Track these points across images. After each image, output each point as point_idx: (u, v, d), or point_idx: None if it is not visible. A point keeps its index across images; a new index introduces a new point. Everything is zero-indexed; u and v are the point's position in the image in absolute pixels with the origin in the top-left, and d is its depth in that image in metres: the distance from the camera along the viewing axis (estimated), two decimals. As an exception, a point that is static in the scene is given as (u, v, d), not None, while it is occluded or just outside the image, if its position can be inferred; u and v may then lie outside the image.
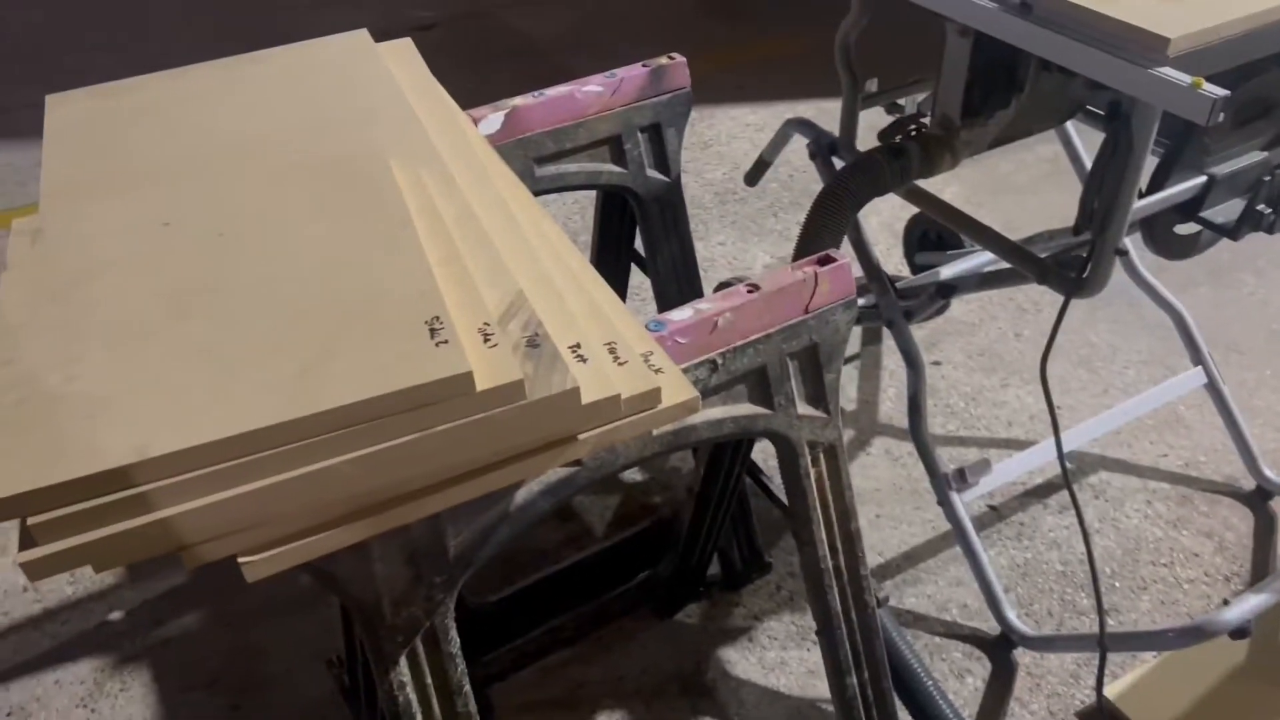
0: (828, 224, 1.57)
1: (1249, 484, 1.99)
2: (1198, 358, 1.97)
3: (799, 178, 3.03)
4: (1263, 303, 2.47)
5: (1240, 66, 1.35)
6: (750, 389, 1.10)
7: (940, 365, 2.33)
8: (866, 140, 1.73)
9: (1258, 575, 1.83)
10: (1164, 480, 2.02)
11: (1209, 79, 1.20)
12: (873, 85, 1.89)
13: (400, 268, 0.89)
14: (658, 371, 0.90)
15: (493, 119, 1.41)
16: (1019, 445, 2.10)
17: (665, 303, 1.68)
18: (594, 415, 0.83)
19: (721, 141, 3.24)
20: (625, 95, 1.52)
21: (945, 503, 1.73)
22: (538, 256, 1.01)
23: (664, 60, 1.55)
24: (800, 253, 1.62)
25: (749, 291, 1.06)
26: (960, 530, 1.72)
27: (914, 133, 1.62)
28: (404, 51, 1.39)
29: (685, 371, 1.03)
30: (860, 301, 2.08)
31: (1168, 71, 1.19)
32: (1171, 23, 1.22)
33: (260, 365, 0.79)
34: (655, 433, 1.01)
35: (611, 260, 1.76)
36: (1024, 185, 2.94)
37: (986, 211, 2.80)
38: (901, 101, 1.90)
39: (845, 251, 1.78)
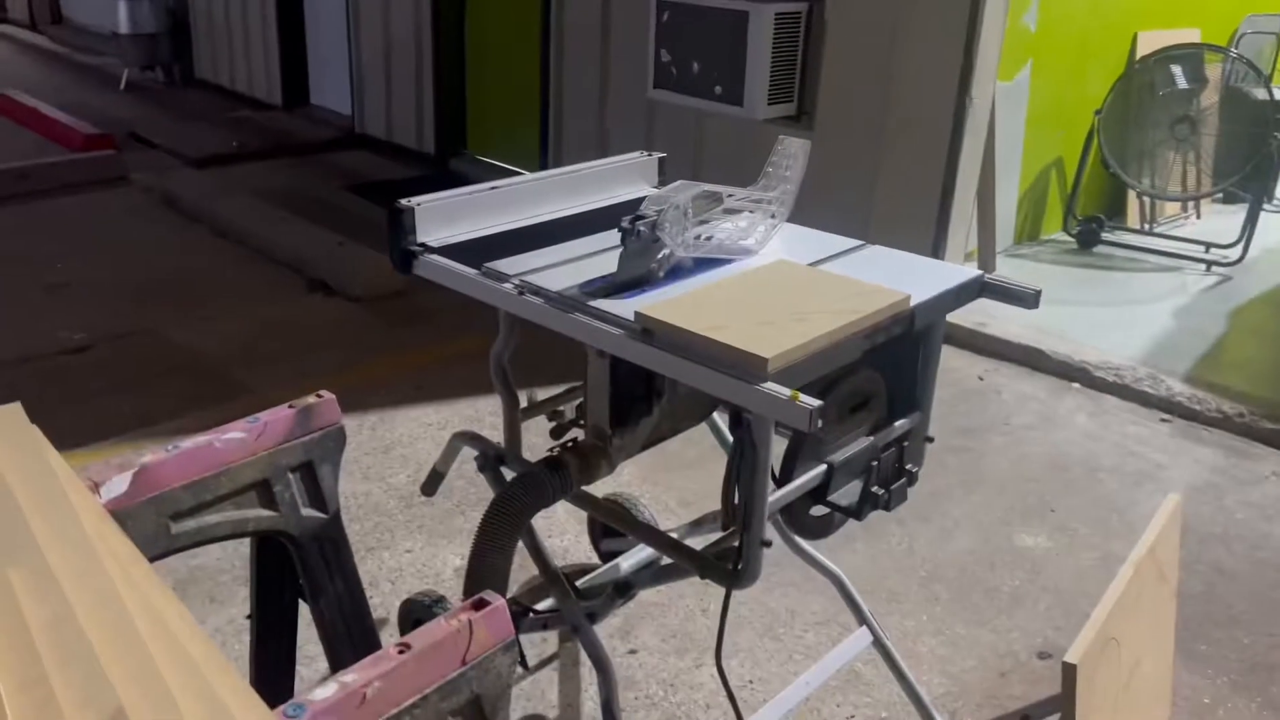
0: (495, 545, 1.56)
1: (928, 733, 2.10)
2: (862, 618, 2.10)
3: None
4: (909, 551, 2.73)
5: (838, 370, 1.55)
6: (408, 760, 1.02)
7: (636, 653, 2.33)
8: (536, 444, 1.78)
9: (950, 828, 1.90)
10: (855, 743, 2.09)
11: (807, 386, 1.36)
12: (534, 395, 1.98)
13: (-37, 707, 0.77)
14: (291, 775, 0.82)
15: (117, 481, 1.31)
16: (720, 729, 2.11)
17: (334, 648, 1.57)
18: None
19: (404, 444, 3.22)
20: (271, 438, 1.47)
21: (651, 814, 1.67)
22: (148, 653, 0.91)
23: (312, 399, 1.54)
24: (471, 575, 1.60)
25: (399, 652, 1.01)
26: (670, 842, 1.66)
27: (571, 445, 1.69)
28: (9, 419, 1.28)
29: (332, 758, 0.94)
30: (544, 604, 2.07)
31: (770, 386, 1.33)
32: (767, 344, 1.38)
33: None
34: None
35: (274, 608, 1.64)
36: (693, 460, 3.13)
37: (661, 489, 2.95)
38: (562, 408, 1.99)
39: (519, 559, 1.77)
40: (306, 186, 5.85)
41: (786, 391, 1.31)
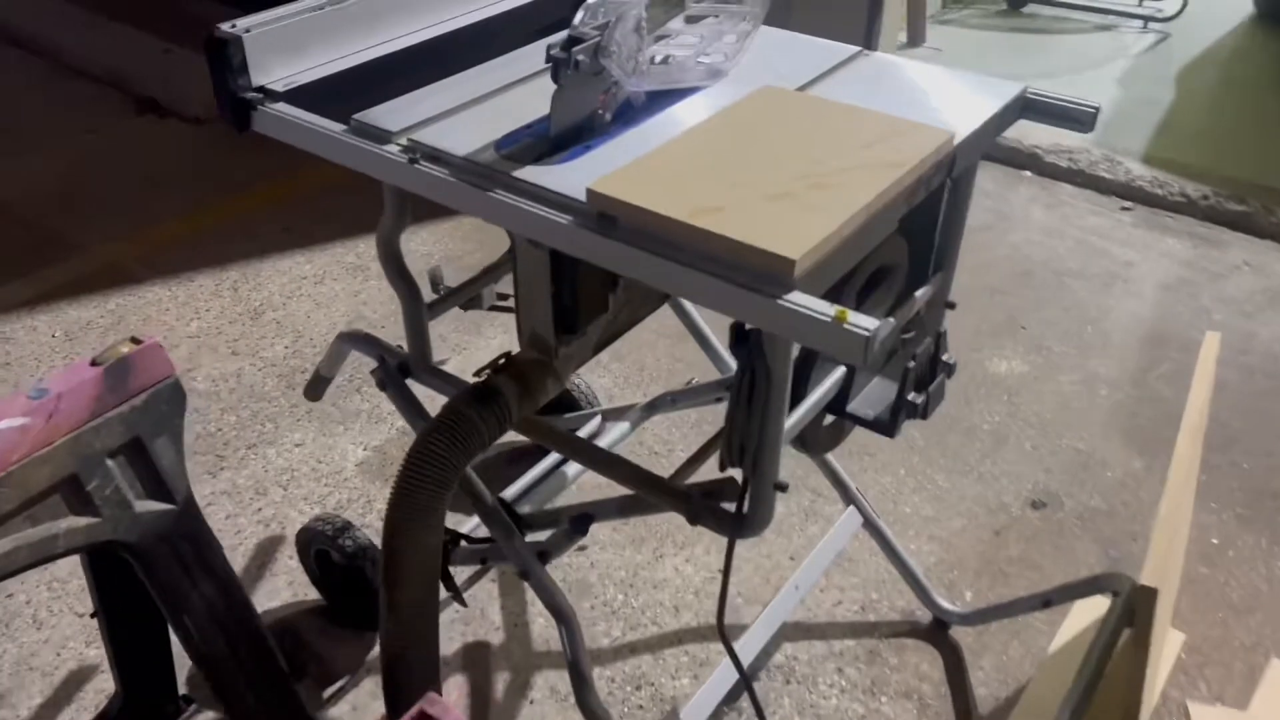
0: (420, 520, 1.16)
1: (926, 615, 1.86)
2: (848, 496, 1.80)
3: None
4: (877, 391, 2.42)
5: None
6: None
7: (585, 549, 2.01)
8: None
9: (965, 726, 1.69)
10: (846, 635, 1.84)
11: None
12: (438, 274, 1.53)
13: None
14: None
15: None
16: (694, 637, 1.83)
17: (215, 673, 1.18)
18: None
19: (275, 305, 2.71)
20: (71, 416, 1.00)
21: (641, 783, 1.39)
22: None
23: (124, 349, 1.06)
24: (390, 566, 1.19)
25: None
26: (666, 813, 1.39)
27: (503, 363, 1.26)
28: None
29: None
30: (476, 528, 1.70)
31: (800, 300, 0.92)
32: (787, 234, 0.95)
33: None
34: None
35: (132, 625, 1.22)
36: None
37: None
38: (480, 293, 1.55)
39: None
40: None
41: (830, 309, 0.90)
